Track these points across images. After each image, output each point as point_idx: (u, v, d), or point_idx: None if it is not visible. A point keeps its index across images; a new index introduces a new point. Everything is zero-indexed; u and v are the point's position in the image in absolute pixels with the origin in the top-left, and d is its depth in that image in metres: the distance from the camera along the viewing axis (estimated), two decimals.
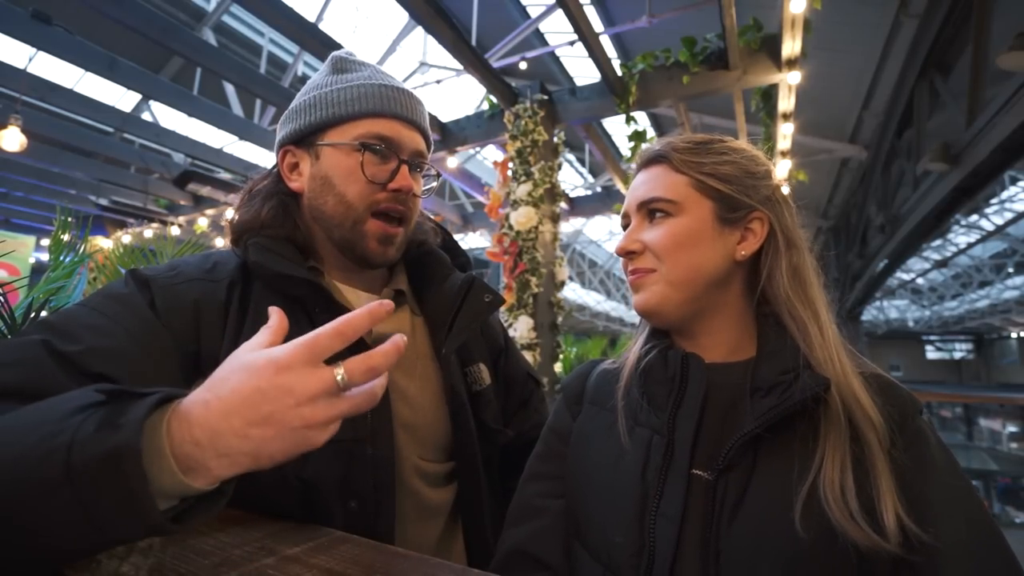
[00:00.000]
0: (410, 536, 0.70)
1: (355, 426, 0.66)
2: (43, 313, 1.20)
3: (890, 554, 0.47)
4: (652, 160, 0.68)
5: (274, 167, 0.80)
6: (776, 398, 0.54)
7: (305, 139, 0.75)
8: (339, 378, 0.41)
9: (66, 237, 1.60)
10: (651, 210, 0.65)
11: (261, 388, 0.39)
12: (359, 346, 0.69)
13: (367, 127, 0.72)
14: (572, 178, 10.07)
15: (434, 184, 0.82)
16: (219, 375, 0.42)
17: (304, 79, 6.63)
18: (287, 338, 0.66)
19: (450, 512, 0.76)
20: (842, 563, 0.48)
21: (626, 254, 0.66)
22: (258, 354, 0.42)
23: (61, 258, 1.54)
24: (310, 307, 0.69)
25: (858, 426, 0.53)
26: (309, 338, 0.42)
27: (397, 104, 0.74)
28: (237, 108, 5.90)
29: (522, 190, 3.59)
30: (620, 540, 0.56)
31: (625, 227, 0.69)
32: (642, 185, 0.67)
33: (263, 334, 0.45)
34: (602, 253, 14.70)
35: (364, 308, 0.44)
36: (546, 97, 3.84)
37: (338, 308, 0.68)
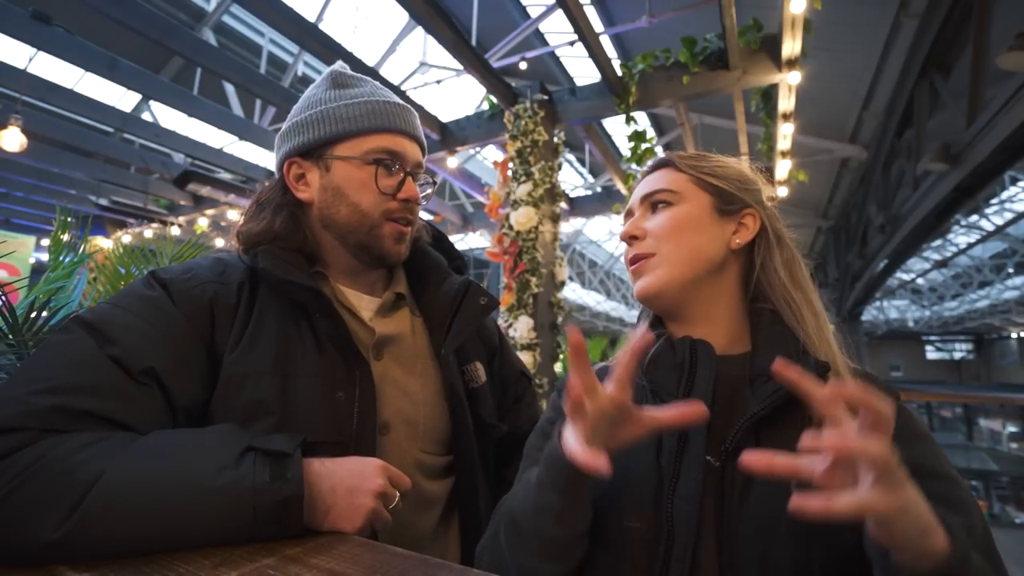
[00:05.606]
0: (408, 525, 0.73)
1: (340, 430, 0.70)
2: (43, 313, 1.20)
3: None
4: (657, 165, 0.74)
5: (279, 179, 0.84)
6: (778, 382, 0.55)
7: (313, 152, 0.80)
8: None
9: (66, 237, 1.60)
10: (654, 202, 0.71)
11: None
12: (354, 350, 0.73)
13: (375, 142, 0.79)
14: (572, 178, 10.07)
15: (430, 191, 0.89)
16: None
17: (304, 79, 6.62)
18: (286, 339, 0.72)
19: (447, 501, 0.81)
20: (848, 532, 0.49)
21: (629, 239, 0.70)
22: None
23: (61, 258, 1.54)
24: (311, 312, 0.74)
25: None
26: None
27: (400, 120, 0.81)
28: (237, 108, 5.90)
29: (522, 190, 3.59)
30: (637, 525, 0.57)
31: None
32: (646, 184, 0.73)
33: None
34: (602, 253, 14.69)
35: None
36: (546, 97, 3.83)
37: (335, 315, 0.73)
